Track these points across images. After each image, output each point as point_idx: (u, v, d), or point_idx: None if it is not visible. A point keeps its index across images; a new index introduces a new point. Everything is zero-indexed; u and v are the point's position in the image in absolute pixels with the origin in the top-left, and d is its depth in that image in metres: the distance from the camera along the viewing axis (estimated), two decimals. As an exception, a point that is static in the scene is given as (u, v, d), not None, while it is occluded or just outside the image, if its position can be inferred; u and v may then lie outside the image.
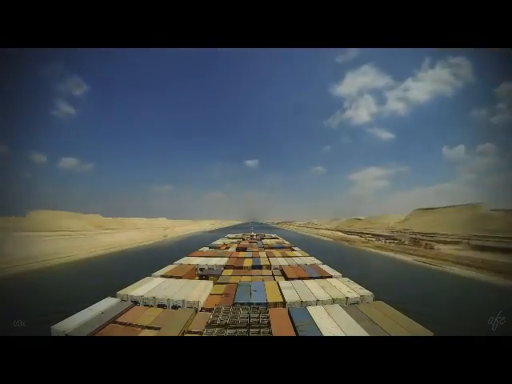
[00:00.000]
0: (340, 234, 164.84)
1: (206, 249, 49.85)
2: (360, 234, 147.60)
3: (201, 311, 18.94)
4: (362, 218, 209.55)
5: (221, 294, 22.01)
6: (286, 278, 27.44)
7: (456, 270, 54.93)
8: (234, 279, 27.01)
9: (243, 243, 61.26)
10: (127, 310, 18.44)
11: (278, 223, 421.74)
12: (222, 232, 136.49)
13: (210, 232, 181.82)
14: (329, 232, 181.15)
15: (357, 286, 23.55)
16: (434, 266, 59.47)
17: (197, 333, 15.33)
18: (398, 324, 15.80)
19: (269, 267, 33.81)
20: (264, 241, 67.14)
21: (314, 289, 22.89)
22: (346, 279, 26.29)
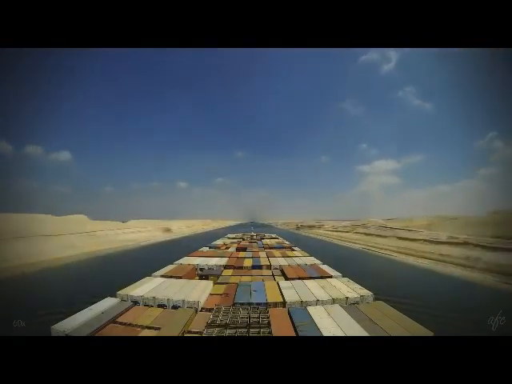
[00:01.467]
0: None
1: (205, 249, 49.82)
2: None
3: (201, 311, 18.93)
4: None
5: (221, 294, 22.00)
6: (286, 278, 27.43)
7: None
8: (234, 279, 27.01)
9: (243, 243, 61.28)
10: (127, 309, 18.43)
11: (293, 225, 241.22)
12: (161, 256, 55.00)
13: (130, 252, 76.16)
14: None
15: (357, 286, 23.51)
16: None
17: (197, 333, 15.33)
18: (398, 324, 15.79)
19: (269, 267, 33.80)
20: (264, 241, 67.19)
21: (314, 289, 22.88)
22: (346, 279, 26.27)
